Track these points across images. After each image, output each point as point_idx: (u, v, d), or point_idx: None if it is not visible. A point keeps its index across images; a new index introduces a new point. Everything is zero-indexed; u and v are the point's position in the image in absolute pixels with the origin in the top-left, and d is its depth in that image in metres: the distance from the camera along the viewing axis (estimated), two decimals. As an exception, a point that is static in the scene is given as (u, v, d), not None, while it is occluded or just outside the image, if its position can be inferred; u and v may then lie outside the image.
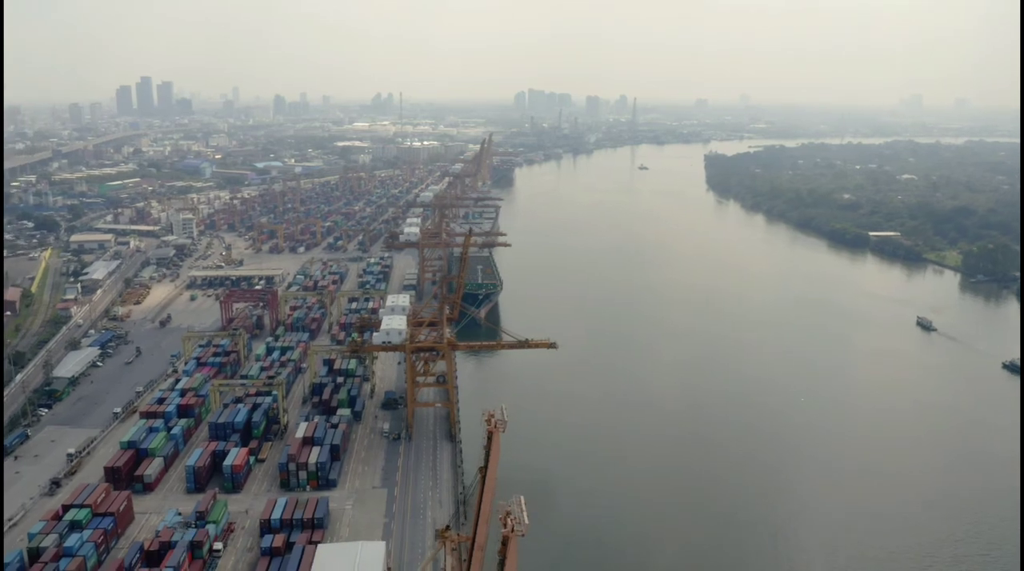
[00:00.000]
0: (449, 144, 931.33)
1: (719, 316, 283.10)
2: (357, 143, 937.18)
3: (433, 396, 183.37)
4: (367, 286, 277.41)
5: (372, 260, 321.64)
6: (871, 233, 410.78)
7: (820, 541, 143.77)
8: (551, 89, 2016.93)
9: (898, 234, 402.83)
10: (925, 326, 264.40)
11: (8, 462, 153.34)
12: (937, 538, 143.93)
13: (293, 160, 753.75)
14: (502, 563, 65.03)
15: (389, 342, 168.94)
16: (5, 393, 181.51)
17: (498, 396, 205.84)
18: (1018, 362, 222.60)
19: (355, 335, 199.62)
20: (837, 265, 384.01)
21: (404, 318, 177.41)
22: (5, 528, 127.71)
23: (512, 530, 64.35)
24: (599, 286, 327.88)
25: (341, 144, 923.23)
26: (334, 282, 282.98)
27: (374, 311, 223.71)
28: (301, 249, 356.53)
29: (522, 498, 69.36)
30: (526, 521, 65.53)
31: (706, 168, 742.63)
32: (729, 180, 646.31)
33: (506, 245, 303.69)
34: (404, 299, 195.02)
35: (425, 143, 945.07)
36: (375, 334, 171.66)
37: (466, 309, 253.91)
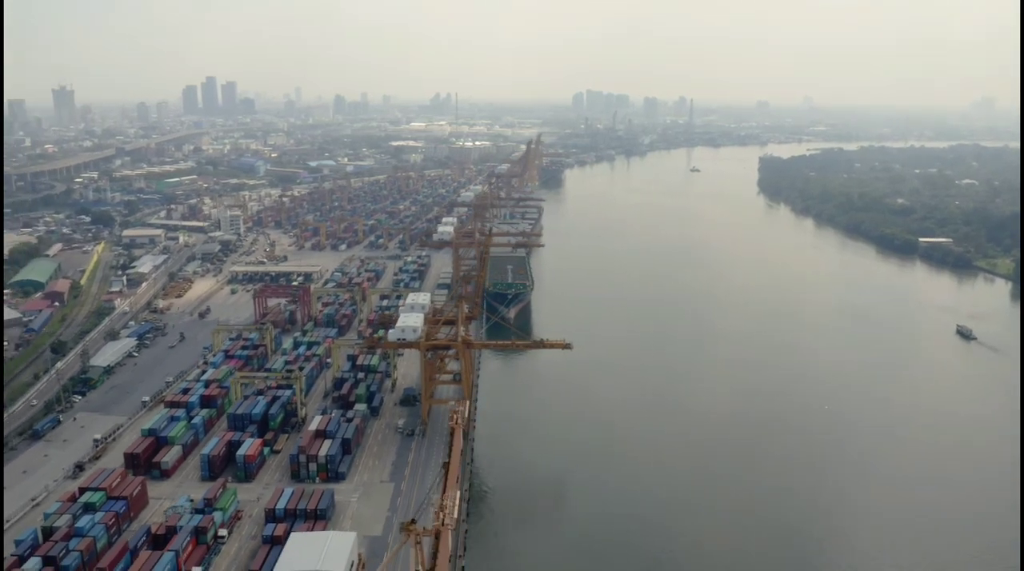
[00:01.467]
0: (501, 144, 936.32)
1: (752, 319, 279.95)
2: (411, 143, 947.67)
3: (453, 393, 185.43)
4: (401, 284, 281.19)
5: (409, 258, 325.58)
6: (921, 239, 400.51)
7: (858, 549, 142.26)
8: (609, 90, 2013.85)
9: (949, 240, 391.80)
10: (965, 335, 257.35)
11: (38, 445, 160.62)
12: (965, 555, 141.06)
13: (346, 159, 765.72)
14: (435, 555, 66.81)
15: (404, 339, 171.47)
16: (43, 380, 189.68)
17: (524, 396, 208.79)
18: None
19: (381, 331, 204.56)
20: (882, 271, 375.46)
21: (421, 316, 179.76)
22: (29, 508, 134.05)
23: (443, 523, 66.05)
24: (638, 287, 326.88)
25: (395, 144, 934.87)
26: (369, 279, 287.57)
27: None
28: (343, 246, 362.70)
29: (457, 494, 71.07)
30: (455, 515, 67.25)
31: (759, 171, 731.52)
32: (780, 183, 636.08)
33: (539, 245, 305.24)
34: (424, 297, 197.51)
35: (477, 143, 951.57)
36: (390, 331, 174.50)
37: (496, 309, 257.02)
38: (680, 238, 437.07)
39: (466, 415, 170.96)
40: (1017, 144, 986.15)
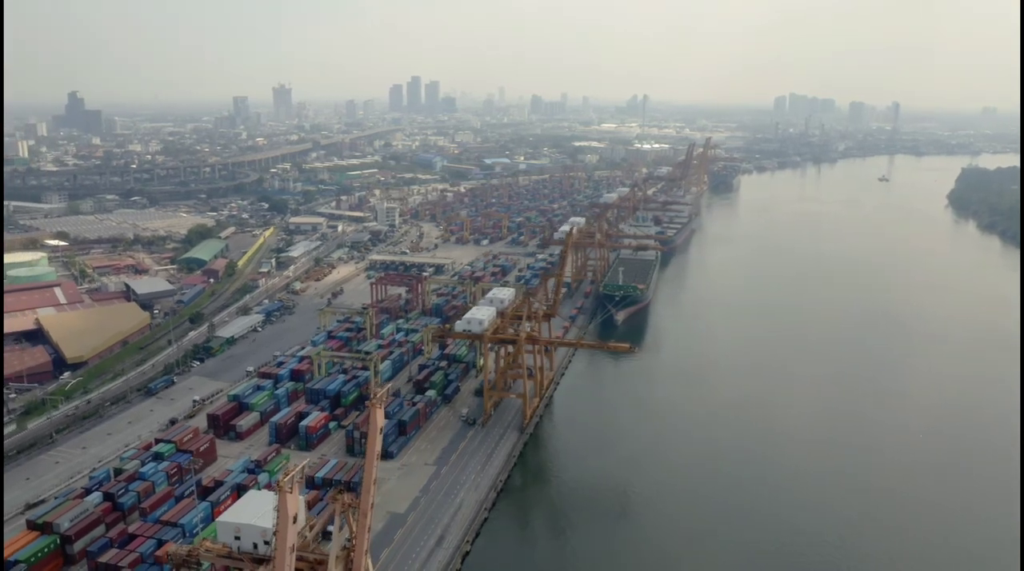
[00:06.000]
0: (679, 147, 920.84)
1: (883, 338, 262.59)
2: (594, 143, 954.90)
3: (529, 388, 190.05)
4: (522, 281, 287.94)
5: (540, 256, 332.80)
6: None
7: None
8: (815, 94, 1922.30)
9: None
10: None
11: (149, 401, 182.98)
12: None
13: (522, 158, 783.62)
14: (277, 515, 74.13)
15: (469, 331, 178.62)
16: (173, 345, 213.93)
17: (614, 399, 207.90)
18: None
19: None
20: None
21: (492, 309, 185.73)
22: (121, 451, 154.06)
23: (279, 485, 72.75)
24: (777, 298, 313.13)
25: (577, 144, 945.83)
26: (493, 274, 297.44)
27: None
28: (485, 241, 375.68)
29: (304, 463, 77.85)
30: (287, 476, 73.92)
31: (956, 182, 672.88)
32: (973, 196, 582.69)
33: (659, 249, 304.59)
34: (507, 292, 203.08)
35: (655, 145, 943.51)
36: (457, 322, 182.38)
37: (606, 309, 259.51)
38: (840, 251, 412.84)
39: (526, 411, 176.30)
40: None
